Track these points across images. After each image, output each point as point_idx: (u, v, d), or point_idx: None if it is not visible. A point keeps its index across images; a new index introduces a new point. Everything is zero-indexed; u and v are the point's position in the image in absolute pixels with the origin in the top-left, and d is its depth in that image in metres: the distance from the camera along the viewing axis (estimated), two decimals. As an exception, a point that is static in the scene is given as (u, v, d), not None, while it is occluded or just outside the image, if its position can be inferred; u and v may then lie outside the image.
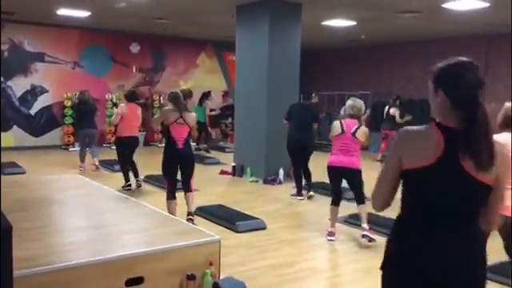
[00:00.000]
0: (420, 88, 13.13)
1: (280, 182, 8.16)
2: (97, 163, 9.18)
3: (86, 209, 4.72)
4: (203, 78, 14.47)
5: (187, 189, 5.50)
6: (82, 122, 9.35)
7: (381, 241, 4.53)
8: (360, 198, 5.07)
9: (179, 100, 5.39)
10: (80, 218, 4.39)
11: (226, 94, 14.89)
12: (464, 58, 1.85)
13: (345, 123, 5.10)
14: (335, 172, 5.13)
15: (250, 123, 8.73)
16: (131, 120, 7.42)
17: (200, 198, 6.67)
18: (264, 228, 5.44)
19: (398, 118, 10.90)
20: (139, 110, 7.68)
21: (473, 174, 1.70)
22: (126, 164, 7.48)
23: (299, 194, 7.06)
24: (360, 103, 5.22)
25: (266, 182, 8.22)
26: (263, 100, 8.40)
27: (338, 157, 5.05)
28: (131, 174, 7.50)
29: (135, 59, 13.39)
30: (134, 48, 13.33)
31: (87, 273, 3.05)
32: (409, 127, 1.86)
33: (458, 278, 1.74)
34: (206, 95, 12.80)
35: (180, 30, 12.47)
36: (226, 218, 5.62)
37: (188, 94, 5.91)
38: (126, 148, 7.47)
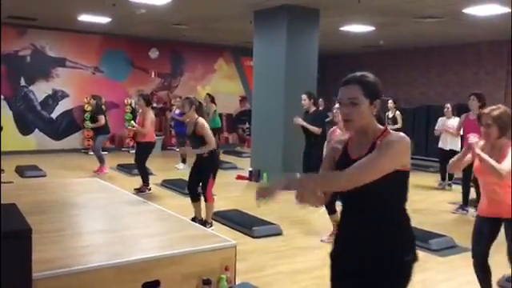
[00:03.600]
0: (441, 94, 12.99)
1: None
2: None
3: (104, 212, 4.77)
4: (221, 84, 14.55)
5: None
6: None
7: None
8: None
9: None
10: (98, 222, 4.44)
11: (243, 99, 14.96)
12: None
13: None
14: None
15: (267, 128, 8.73)
16: (154, 124, 7.58)
17: (216, 203, 6.65)
18: (280, 234, 5.43)
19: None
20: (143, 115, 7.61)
21: None
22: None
23: None
24: None
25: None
26: (280, 105, 8.40)
27: None
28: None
29: (154, 64, 13.53)
30: (153, 53, 13.47)
31: (104, 276, 3.08)
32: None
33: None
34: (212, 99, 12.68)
35: (198, 36, 12.56)
36: (242, 222, 5.62)
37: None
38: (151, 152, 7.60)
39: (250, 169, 9.02)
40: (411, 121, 12.56)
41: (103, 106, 9.75)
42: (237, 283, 3.72)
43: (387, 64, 14.42)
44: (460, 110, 11.11)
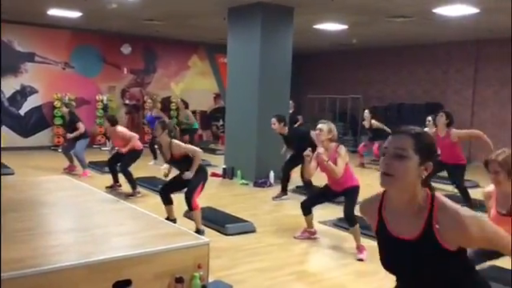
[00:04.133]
0: (411, 93, 13.24)
1: (270, 185, 8.17)
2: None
3: (75, 211, 4.69)
4: (195, 80, 14.47)
5: None
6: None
7: (370, 244, 4.56)
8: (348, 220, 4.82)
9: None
10: (68, 220, 4.37)
11: (217, 97, 14.92)
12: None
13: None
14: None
15: (241, 126, 8.74)
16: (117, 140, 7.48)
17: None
18: (253, 231, 5.44)
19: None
20: (120, 133, 7.48)
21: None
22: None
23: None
24: (333, 125, 5.04)
25: (256, 184, 8.22)
26: (254, 103, 8.41)
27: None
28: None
29: (126, 60, 13.34)
30: (126, 49, 13.28)
31: (75, 275, 3.03)
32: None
33: None
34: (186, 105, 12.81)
35: (172, 32, 12.45)
36: (215, 220, 5.61)
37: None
38: None
39: (224, 166, 9.00)
40: (383, 118, 12.75)
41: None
42: (210, 281, 3.72)
43: (360, 62, 14.61)
44: (429, 108, 11.41)
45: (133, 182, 7.16)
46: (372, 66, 14.33)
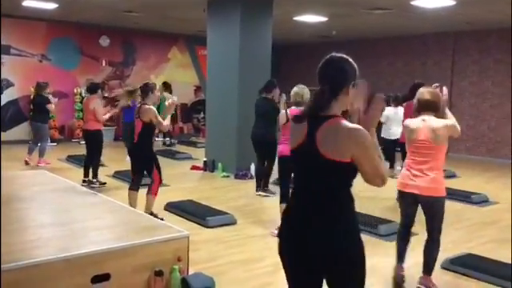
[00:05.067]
0: (391, 84, 13.34)
1: (251, 177, 8.17)
2: (41, 163, 8.82)
3: (53, 205, 4.63)
4: (175, 73, 14.36)
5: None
6: (32, 114, 9.17)
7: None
8: None
9: (132, 94, 5.40)
10: (47, 215, 4.31)
11: (197, 89, 14.83)
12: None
13: (289, 112, 5.14)
14: (285, 162, 5.02)
15: (222, 118, 8.72)
16: (86, 114, 7.43)
17: (170, 193, 6.67)
18: (234, 223, 5.46)
19: None
20: (92, 103, 7.31)
21: (325, 154, 1.96)
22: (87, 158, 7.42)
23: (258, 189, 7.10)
24: (303, 90, 5.28)
25: (237, 177, 8.23)
26: (234, 95, 8.40)
27: (286, 146, 4.85)
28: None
29: (105, 52, 13.16)
30: (104, 41, 13.10)
31: (53, 270, 3.01)
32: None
33: (317, 249, 1.97)
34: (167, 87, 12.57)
35: (151, 24, 12.32)
36: (196, 213, 5.61)
37: (150, 88, 5.58)
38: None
39: (205, 159, 8.98)
40: (363, 110, 12.87)
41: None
42: (190, 273, 3.72)
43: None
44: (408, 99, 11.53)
45: (96, 171, 7.30)
46: (352, 57, 14.33)
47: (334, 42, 14.30)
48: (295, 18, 10.62)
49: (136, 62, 13.78)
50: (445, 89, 4.80)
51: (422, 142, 3.54)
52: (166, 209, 5.89)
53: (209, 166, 8.81)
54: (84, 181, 7.28)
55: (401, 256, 3.78)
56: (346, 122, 2.00)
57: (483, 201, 6.91)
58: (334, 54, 2.17)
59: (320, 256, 1.99)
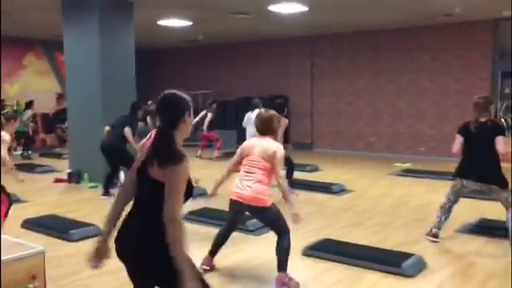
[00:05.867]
0: (258, 86, 13.86)
1: (121, 185, 7.90)
2: None
3: None
4: (32, 80, 13.33)
5: None
6: None
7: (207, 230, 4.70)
8: None
9: None
10: None
11: (60, 97, 13.91)
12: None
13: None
14: None
15: (85, 126, 8.30)
16: None
17: (30, 210, 6.21)
18: (100, 234, 5.20)
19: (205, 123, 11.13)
20: None
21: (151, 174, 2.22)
22: None
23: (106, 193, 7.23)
24: None
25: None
26: (97, 101, 8.06)
27: None
28: None
29: None
30: None
31: None
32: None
33: (131, 251, 2.26)
34: (28, 105, 12.15)
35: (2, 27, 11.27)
36: (58, 227, 5.28)
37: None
38: None
39: (69, 170, 8.48)
40: (234, 112, 13.20)
41: None
42: (48, 291, 3.49)
43: (209, 58, 14.88)
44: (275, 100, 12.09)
45: None
46: (220, 61, 14.70)
47: (203, 46, 14.48)
48: (159, 23, 10.52)
49: (-14, 70, 12.49)
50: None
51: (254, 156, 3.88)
52: (23, 226, 5.44)
53: (74, 178, 8.34)
54: None
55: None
56: (177, 151, 2.21)
57: (341, 190, 7.52)
58: (167, 91, 2.37)
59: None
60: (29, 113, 12.10)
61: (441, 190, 7.48)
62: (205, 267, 4.05)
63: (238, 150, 4.02)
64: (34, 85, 13.22)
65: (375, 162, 10.80)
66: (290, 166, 7.09)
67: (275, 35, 12.77)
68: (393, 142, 11.88)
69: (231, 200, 3.91)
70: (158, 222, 2.14)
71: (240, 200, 3.82)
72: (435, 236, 4.90)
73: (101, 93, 8.03)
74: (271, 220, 3.86)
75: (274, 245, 3.81)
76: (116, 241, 2.33)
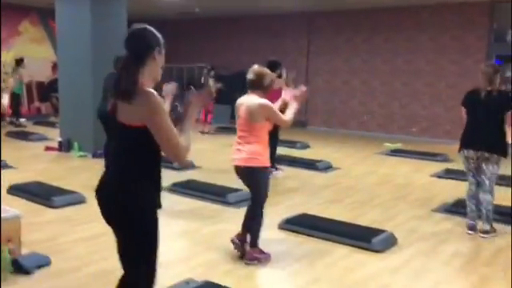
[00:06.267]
0: (253, 61, 13.76)
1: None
2: None
3: None
4: (28, 48, 13.25)
5: None
6: None
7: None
8: None
9: None
10: None
11: (55, 65, 13.85)
12: None
13: None
14: None
15: (76, 95, 8.33)
16: None
17: (17, 175, 6.30)
18: (82, 202, 5.32)
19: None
20: None
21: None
22: None
23: None
24: None
25: (95, 156, 7.97)
26: (88, 71, 8.06)
27: None
28: None
29: None
30: None
31: None
32: None
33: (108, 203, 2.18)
34: (18, 62, 11.93)
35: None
36: (41, 194, 5.37)
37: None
38: None
39: (60, 139, 8.55)
40: (229, 86, 13.17)
41: None
42: (24, 254, 3.60)
43: (206, 32, 14.77)
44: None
45: None
46: (216, 35, 14.59)
47: (199, 19, 14.36)
48: (155, -6, 10.44)
49: (-20, 36, 12.44)
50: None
51: (240, 119, 3.76)
52: (8, 192, 5.54)
53: (64, 146, 8.41)
54: None
55: None
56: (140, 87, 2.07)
57: (327, 167, 7.59)
58: (135, 25, 2.24)
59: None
60: (22, 72, 11.96)
61: (426, 170, 7.65)
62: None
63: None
64: (29, 52, 13.15)
65: (366, 141, 10.85)
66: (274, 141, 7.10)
67: (273, 10, 12.65)
68: (385, 122, 11.91)
69: (234, 167, 3.81)
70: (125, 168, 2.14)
71: (237, 164, 3.74)
72: (471, 229, 4.57)
73: (91, 63, 8.03)
74: (257, 181, 3.74)
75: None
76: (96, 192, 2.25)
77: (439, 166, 7.68)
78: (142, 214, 2.14)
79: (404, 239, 4.39)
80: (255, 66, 3.92)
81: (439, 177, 7.11)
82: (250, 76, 3.83)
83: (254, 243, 3.83)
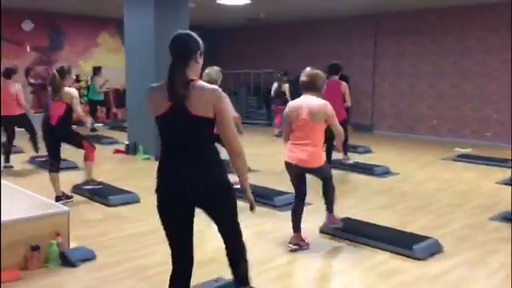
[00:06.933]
0: (319, 66, 13.69)
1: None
2: None
3: None
4: (105, 57, 14.19)
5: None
6: None
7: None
8: None
9: (53, 79, 5.41)
10: None
11: (130, 74, 14.69)
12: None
13: None
14: None
15: (141, 100, 8.72)
16: (6, 98, 7.20)
17: (82, 176, 6.73)
18: (137, 201, 5.60)
19: (288, 94, 11.13)
20: (12, 87, 7.26)
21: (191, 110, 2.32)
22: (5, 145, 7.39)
23: None
24: (212, 71, 5.66)
25: (157, 158, 8.32)
26: (152, 78, 8.44)
27: None
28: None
29: (29, 37, 12.82)
30: (27, 25, 12.74)
31: None
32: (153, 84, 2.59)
33: (190, 188, 2.40)
34: (95, 71, 12.73)
35: (77, 7, 12.10)
36: (101, 193, 5.72)
37: (66, 71, 5.66)
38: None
39: (127, 142, 9.05)
40: (295, 90, 13.17)
41: None
42: (72, 247, 3.87)
43: (272, 37, 14.92)
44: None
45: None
46: (282, 40, 14.69)
47: (265, 25, 14.54)
48: (219, 2, 10.72)
49: (64, 47, 13.51)
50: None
51: (299, 120, 3.92)
52: (72, 190, 5.96)
53: (131, 149, 8.89)
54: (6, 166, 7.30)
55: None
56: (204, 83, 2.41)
57: (385, 172, 7.37)
58: (179, 31, 2.50)
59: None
60: (98, 80, 12.70)
61: (492, 176, 7.18)
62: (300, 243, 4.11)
63: (285, 116, 4.10)
64: (106, 62, 14.06)
65: (434, 146, 10.38)
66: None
67: (338, 14, 12.52)
68: (456, 126, 11.32)
69: (286, 163, 4.03)
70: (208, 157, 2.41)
71: (298, 164, 3.94)
72: None
73: (155, 70, 8.42)
74: (326, 172, 4.11)
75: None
76: (168, 190, 2.48)
77: (508, 173, 7.18)
78: (232, 190, 2.47)
79: (451, 247, 4.17)
80: (308, 69, 4.13)
81: (506, 184, 6.65)
82: (303, 78, 4.05)
83: (331, 209, 4.23)
